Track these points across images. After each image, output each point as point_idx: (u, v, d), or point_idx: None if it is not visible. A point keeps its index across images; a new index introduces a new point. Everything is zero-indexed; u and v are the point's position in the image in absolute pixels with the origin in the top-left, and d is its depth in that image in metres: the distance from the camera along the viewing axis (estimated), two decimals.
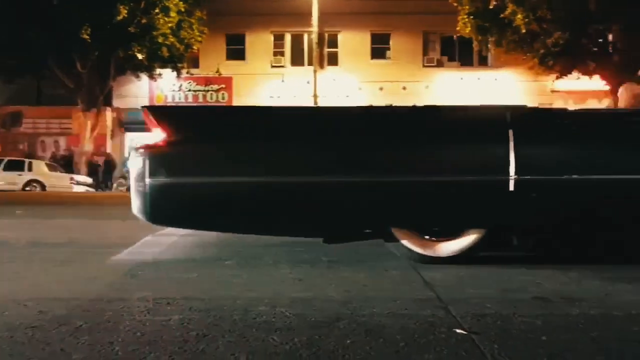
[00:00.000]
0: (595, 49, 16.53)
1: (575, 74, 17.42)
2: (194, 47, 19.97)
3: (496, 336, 1.82)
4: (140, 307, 2.17)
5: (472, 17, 17.07)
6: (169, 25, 17.72)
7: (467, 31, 17.57)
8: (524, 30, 15.76)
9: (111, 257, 3.40)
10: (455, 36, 20.61)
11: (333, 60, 22.89)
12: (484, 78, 22.00)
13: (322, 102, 20.41)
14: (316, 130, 3.05)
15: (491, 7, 15.99)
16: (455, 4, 17.33)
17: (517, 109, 3.07)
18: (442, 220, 3.09)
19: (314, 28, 20.14)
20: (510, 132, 2.86)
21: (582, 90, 20.00)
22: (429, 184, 2.94)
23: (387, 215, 3.05)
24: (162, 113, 3.21)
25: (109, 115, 22.24)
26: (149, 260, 3.33)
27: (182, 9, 18.20)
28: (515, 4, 15.50)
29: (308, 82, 20.65)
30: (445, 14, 18.40)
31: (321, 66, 21.79)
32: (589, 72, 17.09)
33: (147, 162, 2.93)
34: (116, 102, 22.71)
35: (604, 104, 18.14)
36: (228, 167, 3.00)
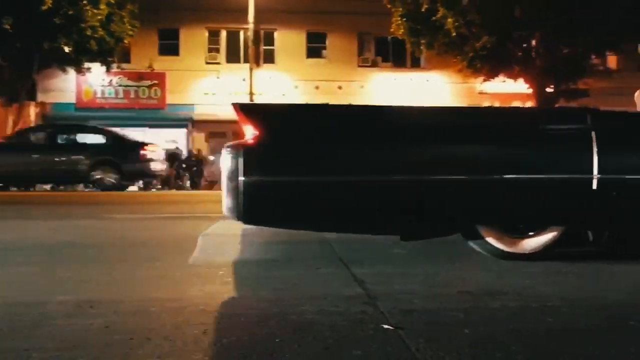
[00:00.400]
0: (520, 53, 17.39)
1: (501, 77, 18.24)
2: (125, 41, 19.27)
3: (422, 330, 1.88)
4: (62, 311, 2.09)
5: (405, 19, 17.46)
6: (99, 17, 16.99)
7: (400, 33, 17.95)
8: (454, 34, 16.29)
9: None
10: (389, 37, 21.01)
11: (269, 58, 22.76)
12: (416, 79, 22.56)
13: (259, 100, 20.28)
14: (413, 130, 3.06)
15: (423, 10, 16.41)
16: (389, 6, 17.67)
17: (596, 111, 3.24)
18: (530, 218, 3.20)
19: (250, 25, 19.94)
20: (593, 134, 3.01)
21: (507, 92, 20.93)
22: (518, 182, 3.03)
23: (477, 213, 3.13)
24: (254, 110, 3.20)
25: (32, 110, 21.10)
26: (74, 262, 3.20)
27: (113, 1, 17.53)
28: (446, 8, 16.00)
29: (244, 80, 20.43)
30: (380, 15, 18.72)
31: (257, 64, 21.61)
32: (513, 76, 17.96)
33: (240, 160, 2.84)
34: (41, 97, 21.55)
35: (528, 105, 19.04)
36: (324, 165, 2.96)
